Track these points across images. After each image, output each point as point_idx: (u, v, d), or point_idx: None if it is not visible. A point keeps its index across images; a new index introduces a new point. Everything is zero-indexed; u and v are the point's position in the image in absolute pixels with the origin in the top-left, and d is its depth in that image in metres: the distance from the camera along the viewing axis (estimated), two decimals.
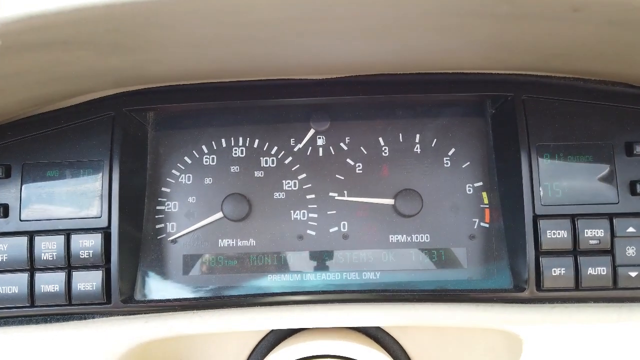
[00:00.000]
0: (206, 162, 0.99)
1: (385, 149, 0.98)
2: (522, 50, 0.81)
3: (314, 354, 0.85)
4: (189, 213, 0.97)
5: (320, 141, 0.99)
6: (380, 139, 0.98)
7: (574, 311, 0.87)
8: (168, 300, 0.91)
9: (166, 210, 0.98)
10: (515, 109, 0.89)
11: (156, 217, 0.97)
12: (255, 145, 0.99)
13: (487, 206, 0.96)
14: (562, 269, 0.85)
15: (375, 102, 0.98)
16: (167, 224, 0.97)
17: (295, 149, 0.99)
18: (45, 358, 0.86)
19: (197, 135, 0.99)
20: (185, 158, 0.99)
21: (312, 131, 0.99)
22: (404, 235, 0.96)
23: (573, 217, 0.86)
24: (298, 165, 0.98)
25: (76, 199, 0.90)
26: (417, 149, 0.98)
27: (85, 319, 0.89)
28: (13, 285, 0.87)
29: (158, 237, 0.97)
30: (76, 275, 0.87)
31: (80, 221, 0.89)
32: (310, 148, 0.99)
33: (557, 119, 0.89)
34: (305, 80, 0.94)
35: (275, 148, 0.99)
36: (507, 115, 0.92)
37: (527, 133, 0.88)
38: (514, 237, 0.90)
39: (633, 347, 0.84)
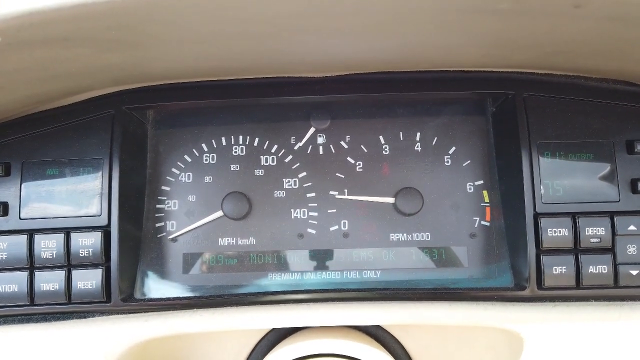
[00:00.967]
0: (206, 160, 0.98)
1: (385, 147, 0.98)
2: (523, 47, 0.81)
3: (315, 353, 0.85)
4: (189, 211, 0.97)
5: (320, 139, 0.99)
6: (381, 137, 0.98)
7: (574, 310, 0.86)
8: (168, 299, 0.91)
9: (166, 208, 0.98)
10: (516, 107, 0.89)
11: (156, 215, 0.97)
12: (256, 144, 0.99)
13: (488, 204, 0.96)
14: (563, 267, 0.85)
15: (375, 100, 0.98)
16: (167, 222, 0.97)
17: (296, 147, 0.99)
18: (45, 357, 0.86)
19: (197, 134, 0.99)
20: (185, 156, 0.99)
21: (312, 129, 0.99)
22: (405, 234, 0.96)
23: (574, 215, 0.86)
24: (298, 164, 0.98)
25: (76, 198, 0.90)
26: (417, 147, 0.98)
27: (85, 317, 0.89)
28: (12, 283, 0.87)
29: (158, 236, 0.97)
30: (76, 273, 0.87)
31: (80, 219, 0.89)
32: (310, 146, 0.99)
33: (558, 117, 0.89)
34: (306, 78, 0.94)
35: (276, 146, 0.99)
36: (507, 113, 0.92)
37: (528, 131, 0.88)
38: (514, 235, 0.90)
39: (634, 346, 0.84)
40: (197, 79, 0.94)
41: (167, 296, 0.92)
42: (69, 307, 0.88)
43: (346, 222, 0.97)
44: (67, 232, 0.88)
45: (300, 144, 0.99)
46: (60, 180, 0.90)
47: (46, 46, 0.67)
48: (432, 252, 0.96)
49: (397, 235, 0.96)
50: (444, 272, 0.95)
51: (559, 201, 0.87)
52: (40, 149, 0.91)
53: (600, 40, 0.75)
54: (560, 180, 0.87)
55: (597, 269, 0.85)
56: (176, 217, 0.97)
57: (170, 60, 0.83)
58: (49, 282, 0.87)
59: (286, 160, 0.98)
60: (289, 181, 0.98)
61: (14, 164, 0.91)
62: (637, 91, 0.92)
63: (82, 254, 0.87)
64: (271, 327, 0.96)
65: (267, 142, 0.99)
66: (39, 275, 0.87)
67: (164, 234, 0.97)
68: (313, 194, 0.97)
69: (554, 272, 0.85)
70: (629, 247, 0.85)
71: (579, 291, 0.86)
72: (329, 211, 0.97)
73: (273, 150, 0.99)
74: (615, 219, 0.85)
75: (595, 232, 0.85)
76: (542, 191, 0.87)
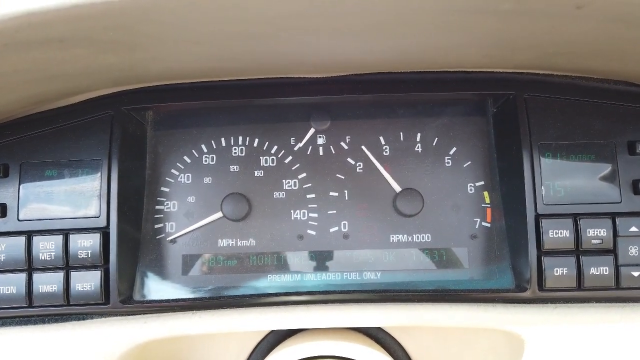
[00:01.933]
0: (205, 161, 0.98)
1: (386, 148, 0.97)
2: (524, 47, 0.80)
3: (315, 355, 0.84)
4: (188, 213, 0.97)
5: (320, 140, 0.99)
6: (381, 138, 0.98)
7: (576, 311, 0.86)
8: (167, 300, 0.90)
9: (165, 210, 0.97)
10: (517, 107, 0.89)
11: (155, 216, 0.97)
12: (255, 145, 0.98)
13: (489, 206, 0.96)
14: (564, 268, 0.85)
15: (376, 100, 0.97)
16: (166, 223, 0.97)
17: (296, 148, 0.98)
18: (43, 359, 0.85)
19: (196, 135, 0.99)
20: (185, 157, 0.98)
21: (312, 130, 0.98)
22: (405, 235, 0.96)
23: (575, 217, 0.85)
24: (298, 165, 0.98)
25: (74, 199, 0.89)
26: (418, 148, 0.97)
27: (83, 319, 0.89)
28: (11, 285, 0.86)
29: (157, 237, 0.96)
30: (74, 275, 0.87)
31: (79, 221, 0.88)
32: (310, 147, 0.98)
33: (559, 118, 0.89)
34: (306, 78, 0.94)
35: (275, 147, 0.98)
36: (508, 114, 0.92)
37: (529, 132, 0.88)
38: (515, 236, 0.90)
39: (636, 348, 0.84)
40: (197, 79, 0.94)
41: (167, 298, 0.92)
42: (67, 309, 0.87)
43: (346, 223, 0.96)
44: (65, 233, 0.87)
45: (300, 144, 0.98)
46: (59, 182, 0.90)
47: (44, 47, 0.67)
48: (433, 254, 0.95)
49: (398, 237, 0.96)
50: (444, 274, 0.94)
51: (560, 202, 0.86)
52: (38, 150, 0.91)
53: (602, 41, 0.75)
54: (562, 181, 0.87)
55: (599, 270, 0.84)
56: (175, 218, 0.97)
57: (169, 61, 0.82)
58: (48, 283, 0.86)
59: (286, 161, 0.98)
60: (288, 182, 0.97)
61: (13, 165, 0.91)
62: (638, 92, 0.92)
63: (80, 255, 0.87)
64: (271, 329, 0.95)
65: (267, 143, 0.98)
66: (37, 276, 0.87)
67: (163, 235, 0.97)
68: (313, 195, 0.97)
69: (555, 274, 0.84)
70: (631, 248, 0.85)
71: (580, 293, 0.86)
72: (329, 212, 0.96)
73: (273, 151, 0.98)
74: (616, 220, 0.85)
75: (596, 233, 0.85)
76: (543, 192, 0.86)
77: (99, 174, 0.89)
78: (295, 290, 0.92)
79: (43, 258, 0.87)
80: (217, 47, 0.77)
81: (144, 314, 0.89)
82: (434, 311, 0.87)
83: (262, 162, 0.98)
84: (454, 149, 0.97)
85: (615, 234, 0.85)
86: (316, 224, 0.96)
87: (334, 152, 0.98)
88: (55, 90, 0.89)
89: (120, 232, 0.88)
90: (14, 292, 0.86)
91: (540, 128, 0.88)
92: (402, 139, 0.98)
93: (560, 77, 0.93)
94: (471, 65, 0.92)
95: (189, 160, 0.98)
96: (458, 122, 0.98)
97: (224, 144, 0.98)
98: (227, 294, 0.93)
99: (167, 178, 0.98)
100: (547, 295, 0.86)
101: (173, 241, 0.96)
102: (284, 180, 0.97)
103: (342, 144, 0.98)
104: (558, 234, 0.85)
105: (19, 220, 0.89)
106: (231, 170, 0.98)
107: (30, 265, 0.87)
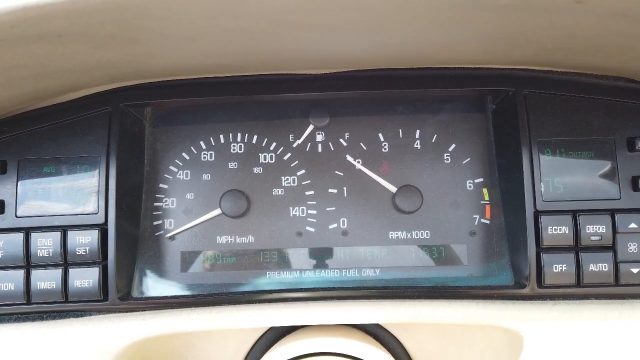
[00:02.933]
0: (204, 158, 0.98)
1: (385, 145, 0.97)
2: (524, 43, 0.80)
3: (314, 352, 0.84)
4: (186, 210, 0.97)
5: (319, 137, 0.98)
6: (380, 135, 0.98)
7: (575, 308, 0.86)
8: (166, 297, 0.90)
9: (164, 206, 0.97)
10: (516, 104, 0.89)
11: (154, 213, 0.97)
12: (254, 141, 0.98)
13: (488, 202, 0.96)
14: (564, 265, 0.84)
15: (374, 97, 0.97)
16: (165, 220, 0.97)
17: (294, 145, 0.98)
18: (42, 356, 0.85)
19: (195, 131, 0.98)
20: (183, 154, 0.98)
21: (311, 127, 0.98)
22: (404, 232, 0.95)
23: (574, 213, 0.85)
24: (297, 162, 0.98)
25: (73, 195, 0.89)
26: (417, 144, 0.97)
27: (81, 316, 0.89)
28: (9, 282, 0.86)
29: (156, 234, 0.96)
30: (72, 272, 0.86)
31: (77, 217, 0.88)
32: (309, 144, 0.98)
33: (558, 115, 0.88)
34: (305, 75, 0.93)
35: (274, 144, 0.98)
36: (508, 111, 0.91)
37: (528, 128, 0.88)
38: (514, 233, 0.90)
39: (634, 344, 0.84)
40: (195, 76, 0.94)
41: (165, 295, 0.92)
42: (65, 305, 0.87)
43: (345, 220, 0.96)
44: (63, 230, 0.87)
45: (299, 141, 0.98)
46: (57, 178, 0.90)
47: (41, 42, 0.67)
48: (432, 250, 0.95)
49: (397, 233, 0.96)
50: (443, 270, 0.94)
51: (559, 199, 0.86)
52: (36, 147, 0.91)
53: (601, 37, 0.75)
54: (561, 177, 0.87)
55: (598, 267, 0.84)
56: (174, 215, 0.97)
57: (167, 57, 0.82)
58: (46, 280, 0.86)
59: (285, 158, 0.98)
60: (287, 179, 0.97)
61: (11, 161, 0.90)
62: (638, 88, 0.92)
63: (79, 252, 0.86)
64: (270, 326, 0.95)
65: (266, 139, 0.98)
66: (35, 273, 0.86)
67: (162, 232, 0.96)
68: (312, 192, 0.97)
69: (554, 270, 0.84)
70: (630, 245, 0.85)
71: (580, 289, 0.85)
72: (327, 209, 0.96)
73: (272, 148, 0.98)
74: (616, 216, 0.85)
75: (595, 230, 0.85)
76: (543, 189, 0.86)
77: (97, 170, 0.89)
78: (294, 287, 0.91)
79: (41, 255, 0.86)
80: (215, 43, 0.77)
81: (142, 310, 0.89)
82: (433, 308, 0.87)
83: (261, 159, 0.98)
84: (453, 145, 0.97)
85: (614, 231, 0.85)
86: (315, 220, 0.96)
87: (333, 148, 0.98)
88: (53, 86, 0.89)
89: (118, 228, 0.88)
90: (12, 288, 0.86)
91: (539, 124, 0.88)
92: (401, 135, 0.98)
93: (560, 73, 0.92)
94: (470, 61, 0.92)
95: (187, 157, 0.98)
96: (457, 118, 0.98)
97: (222, 141, 0.98)
98: (225, 290, 0.93)
99: (165, 175, 0.98)
100: (546, 291, 0.85)
101: (172, 238, 0.96)
102: (282, 177, 0.97)
103: (341, 140, 0.98)
104: (557, 230, 0.85)
105: (17, 216, 0.88)
106: (230, 167, 0.97)
107: (28, 262, 0.87)
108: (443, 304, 0.87)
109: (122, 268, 0.89)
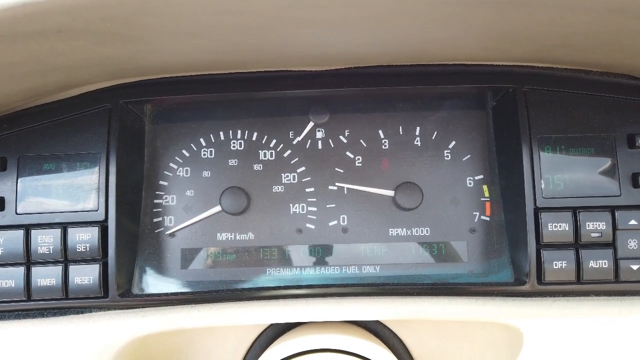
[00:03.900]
0: (204, 155, 0.98)
1: (385, 142, 0.97)
2: (523, 40, 0.80)
3: (314, 348, 0.84)
4: (187, 206, 0.97)
5: (319, 134, 0.98)
6: (380, 132, 0.98)
7: (575, 305, 0.86)
8: (166, 294, 0.90)
9: (164, 203, 0.97)
10: (516, 101, 0.89)
11: (154, 210, 0.97)
12: (254, 138, 0.98)
13: (488, 199, 0.96)
14: (564, 262, 0.84)
15: (375, 94, 0.97)
16: (165, 217, 0.97)
17: (294, 142, 0.98)
18: (42, 353, 0.85)
19: (195, 128, 0.98)
20: (183, 151, 0.98)
21: (311, 124, 0.98)
22: (404, 229, 0.95)
23: (574, 210, 0.85)
24: (297, 159, 0.97)
25: (73, 192, 0.89)
26: (417, 141, 0.97)
27: (82, 313, 0.89)
28: (9, 279, 0.86)
29: (156, 231, 0.96)
30: (73, 269, 0.87)
31: (77, 214, 0.88)
32: (309, 141, 0.98)
33: (558, 111, 0.88)
34: (305, 72, 0.93)
35: (274, 141, 0.98)
36: (508, 108, 0.91)
37: (528, 125, 0.88)
38: (515, 230, 0.90)
39: (634, 341, 0.84)
40: (195, 72, 0.94)
41: (165, 291, 0.92)
42: (66, 302, 0.87)
43: (345, 217, 0.96)
44: (64, 227, 0.87)
45: (299, 138, 0.98)
46: (57, 175, 0.90)
47: (41, 39, 0.67)
48: (432, 247, 0.95)
49: (397, 230, 0.96)
50: (443, 267, 0.94)
51: (559, 195, 0.86)
52: (37, 144, 0.91)
53: (601, 33, 0.75)
54: (561, 174, 0.87)
55: (598, 263, 0.84)
56: (174, 212, 0.97)
57: (167, 54, 0.82)
58: (46, 277, 0.86)
59: (285, 154, 0.98)
60: (287, 176, 0.97)
61: (11, 158, 0.90)
62: (638, 85, 0.92)
63: (79, 249, 0.86)
64: (270, 323, 0.95)
65: (266, 136, 0.98)
66: (35, 270, 0.87)
67: (162, 229, 0.96)
68: (312, 189, 0.97)
69: (554, 267, 0.84)
70: (630, 241, 0.85)
71: (580, 286, 0.86)
72: (328, 206, 0.96)
73: (272, 145, 0.98)
74: (616, 213, 0.85)
75: (595, 226, 0.85)
76: (543, 186, 0.86)
77: (97, 167, 0.89)
78: (294, 283, 0.92)
79: (41, 251, 0.86)
80: (215, 40, 0.77)
81: (142, 307, 0.89)
82: (433, 305, 0.87)
83: (261, 156, 0.98)
84: (453, 142, 0.97)
85: (614, 227, 0.85)
86: (315, 217, 0.96)
87: (333, 145, 0.98)
88: (53, 83, 0.89)
89: (118, 225, 0.88)
90: (13, 285, 0.86)
91: (539, 121, 0.88)
92: (401, 132, 0.98)
93: (560, 70, 0.92)
94: (470, 58, 0.91)
95: (187, 154, 0.98)
96: (457, 115, 0.97)
97: (222, 138, 0.98)
98: (225, 287, 0.93)
99: (165, 172, 0.98)
100: (546, 288, 0.86)
101: (172, 235, 0.96)
102: (282, 174, 0.97)
103: (341, 137, 0.98)
104: (557, 227, 0.85)
105: (17, 213, 0.88)
106: (230, 164, 0.97)
107: (28, 259, 0.87)
108: (443, 300, 0.87)
109: (122, 265, 0.89)
